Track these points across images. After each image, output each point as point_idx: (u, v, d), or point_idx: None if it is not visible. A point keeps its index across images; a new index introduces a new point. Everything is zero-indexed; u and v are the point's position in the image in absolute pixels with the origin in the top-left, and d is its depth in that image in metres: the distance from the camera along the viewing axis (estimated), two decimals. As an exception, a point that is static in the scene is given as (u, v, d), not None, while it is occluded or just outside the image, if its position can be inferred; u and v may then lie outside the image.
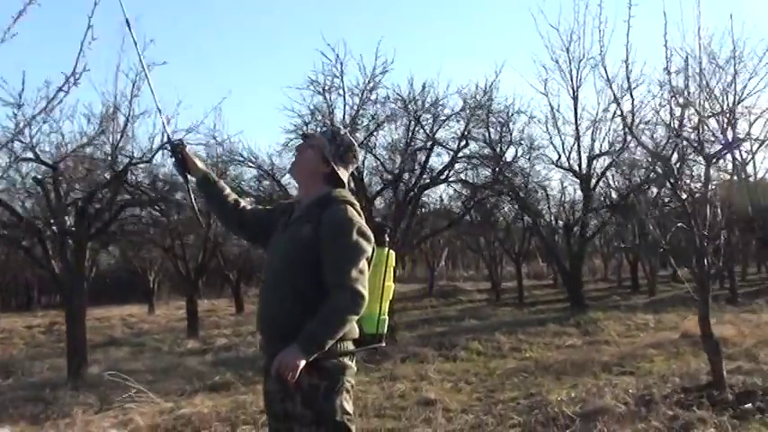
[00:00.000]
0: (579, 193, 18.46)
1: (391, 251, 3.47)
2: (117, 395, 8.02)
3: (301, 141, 3.49)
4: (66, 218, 10.49)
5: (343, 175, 3.38)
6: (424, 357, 10.52)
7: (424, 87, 12.97)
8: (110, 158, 10.28)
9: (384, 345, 3.43)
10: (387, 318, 3.42)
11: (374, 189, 13.68)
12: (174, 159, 3.57)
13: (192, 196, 3.89)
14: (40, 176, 10.33)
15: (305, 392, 3.09)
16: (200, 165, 3.60)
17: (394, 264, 3.48)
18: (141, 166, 11.37)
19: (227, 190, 3.61)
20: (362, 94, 12.39)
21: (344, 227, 3.15)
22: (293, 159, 3.50)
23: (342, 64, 12.18)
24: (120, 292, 30.67)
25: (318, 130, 12.49)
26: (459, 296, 24.80)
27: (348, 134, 3.46)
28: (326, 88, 12.40)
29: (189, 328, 16.67)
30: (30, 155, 10.02)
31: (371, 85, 12.35)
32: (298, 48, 60.19)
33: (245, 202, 3.65)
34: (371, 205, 13.20)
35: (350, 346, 3.22)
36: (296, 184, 3.56)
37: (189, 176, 3.62)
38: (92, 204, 10.51)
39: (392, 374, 9.28)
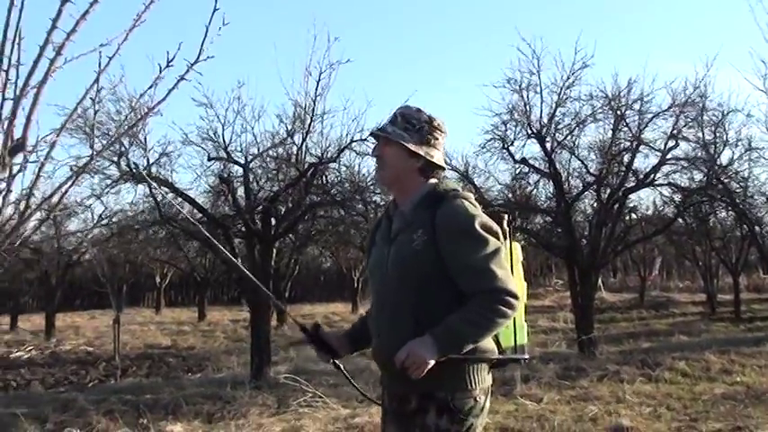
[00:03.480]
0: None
1: (515, 243, 2.91)
2: (297, 397, 7.96)
3: (375, 143, 2.91)
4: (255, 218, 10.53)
5: (438, 158, 2.81)
6: (624, 376, 9.60)
7: (629, 83, 11.90)
8: (294, 158, 10.21)
9: (527, 358, 2.90)
10: (525, 325, 2.87)
11: (574, 192, 12.74)
12: (315, 348, 3.00)
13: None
14: (226, 175, 10.43)
15: None
16: (340, 338, 3.05)
17: (521, 258, 2.92)
18: (332, 166, 11.21)
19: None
20: (561, 91, 11.60)
21: (468, 224, 2.61)
22: (375, 167, 2.92)
23: (539, 59, 11.47)
24: (330, 290, 31.67)
25: (512, 128, 12.05)
26: (671, 308, 23.12)
27: (419, 108, 2.85)
28: (523, 86, 11.72)
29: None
30: (222, 154, 10.20)
31: (571, 80, 11.52)
32: (492, 45, 58.11)
33: None
34: (570, 208, 12.35)
35: (485, 369, 2.70)
36: (390, 193, 2.97)
37: (337, 358, 3.00)
38: (277, 205, 10.51)
39: (586, 394, 8.56)
